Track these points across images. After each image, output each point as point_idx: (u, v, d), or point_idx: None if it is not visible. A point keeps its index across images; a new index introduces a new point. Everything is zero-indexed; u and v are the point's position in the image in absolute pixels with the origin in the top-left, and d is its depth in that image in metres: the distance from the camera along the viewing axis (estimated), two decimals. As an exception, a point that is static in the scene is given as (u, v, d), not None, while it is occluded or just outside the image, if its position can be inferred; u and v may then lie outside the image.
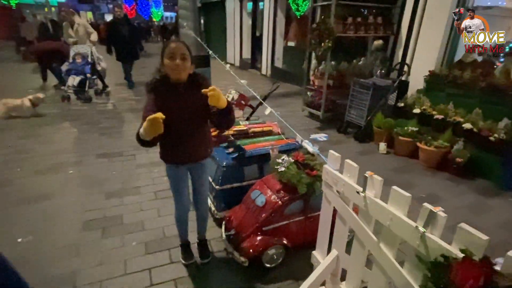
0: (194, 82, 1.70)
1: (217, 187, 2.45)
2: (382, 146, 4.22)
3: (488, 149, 3.41)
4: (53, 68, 6.95)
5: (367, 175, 1.42)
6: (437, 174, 3.62)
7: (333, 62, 5.67)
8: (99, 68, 6.51)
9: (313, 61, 5.61)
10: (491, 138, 3.35)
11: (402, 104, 4.56)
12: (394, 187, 1.30)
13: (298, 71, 8.79)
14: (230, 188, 2.46)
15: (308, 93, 5.75)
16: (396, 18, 5.31)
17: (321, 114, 5.29)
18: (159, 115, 1.39)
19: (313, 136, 4.93)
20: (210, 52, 3.97)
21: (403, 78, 4.76)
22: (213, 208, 2.55)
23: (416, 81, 4.73)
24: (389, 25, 5.36)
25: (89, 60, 6.24)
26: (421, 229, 1.13)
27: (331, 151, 1.69)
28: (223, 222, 2.32)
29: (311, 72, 5.98)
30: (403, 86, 4.77)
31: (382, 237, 1.39)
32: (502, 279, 0.86)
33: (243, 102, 3.77)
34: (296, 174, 2.03)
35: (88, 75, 6.10)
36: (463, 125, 3.66)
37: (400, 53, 5.06)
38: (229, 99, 3.64)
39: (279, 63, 10.02)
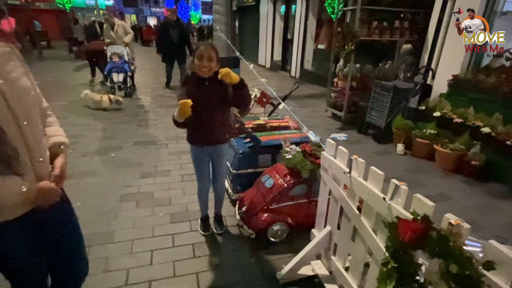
0: (216, 77, 2.04)
1: (233, 171, 2.79)
2: (400, 147, 4.32)
3: (505, 154, 3.43)
4: (100, 66, 7.74)
5: (352, 158, 1.67)
6: (452, 176, 3.68)
7: (357, 65, 5.81)
8: (132, 67, 7.14)
9: (339, 63, 5.78)
10: (508, 143, 3.36)
11: (423, 107, 4.61)
12: (372, 167, 1.54)
13: (326, 73, 8.94)
14: (245, 173, 2.79)
15: (332, 94, 5.93)
16: (422, 22, 5.34)
17: (343, 115, 5.45)
18: (188, 101, 1.75)
19: (333, 135, 5.17)
20: (238, 53, 4.35)
21: (427, 81, 4.80)
22: (229, 190, 2.89)
23: (440, 85, 4.75)
24: (415, 30, 5.40)
25: (125, 59, 6.86)
26: (387, 199, 1.37)
27: (329, 139, 1.96)
28: (237, 202, 2.65)
29: (338, 74, 6.16)
30: (426, 90, 4.81)
31: (362, 211, 1.63)
32: (436, 232, 1.09)
33: (264, 99, 4.08)
34: (301, 161, 2.31)
35: (129, 73, 6.76)
36: (482, 129, 3.68)
37: (425, 57, 5.09)
38: (252, 97, 3.99)
39: (308, 66, 10.21)
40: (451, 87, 4.53)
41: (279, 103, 4.23)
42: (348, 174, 1.68)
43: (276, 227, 2.34)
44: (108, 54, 6.93)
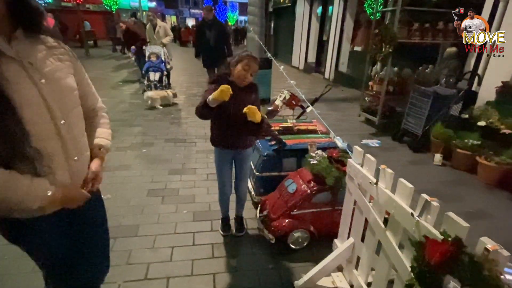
0: (249, 87, 2.04)
1: (257, 173, 2.76)
2: (438, 157, 4.04)
3: (561, 171, 3.06)
4: (140, 64, 8.12)
5: (380, 168, 1.57)
6: (495, 191, 3.36)
7: (395, 68, 5.53)
8: (168, 66, 7.38)
9: (375, 66, 5.54)
10: None
11: (467, 116, 4.27)
12: (401, 179, 1.43)
13: (362, 76, 8.63)
14: (268, 176, 2.75)
15: (366, 98, 5.70)
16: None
17: (377, 120, 5.22)
18: (229, 87, 1.76)
19: (364, 141, 4.99)
20: (269, 55, 4.32)
21: (472, 88, 4.44)
22: (252, 192, 2.87)
23: (487, 92, 4.37)
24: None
25: (162, 59, 7.11)
26: (415, 215, 1.27)
27: (356, 147, 1.86)
28: (259, 205, 2.62)
29: (374, 77, 5.91)
30: (471, 97, 4.45)
31: (389, 225, 1.53)
32: (468, 257, 0.98)
33: (294, 102, 4.01)
34: (327, 167, 2.22)
35: (165, 72, 7.00)
36: (534, 142, 3.33)
37: (472, 61, 4.72)
38: (281, 99, 3.94)
39: (343, 68, 9.93)
40: (500, 94, 4.15)
41: (308, 107, 4.15)
42: (375, 185, 1.58)
43: (297, 234, 2.27)
44: (147, 53, 7.24)
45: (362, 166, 1.81)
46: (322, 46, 11.42)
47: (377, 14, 7.93)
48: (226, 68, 2.08)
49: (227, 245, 2.36)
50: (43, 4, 15.96)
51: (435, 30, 4.97)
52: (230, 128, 2.07)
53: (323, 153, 2.36)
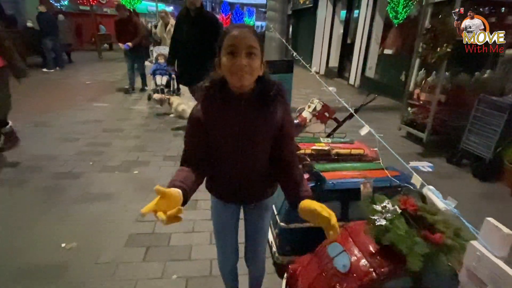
0: (264, 93, 1.09)
1: (282, 224, 1.86)
2: (520, 191, 3.03)
3: None
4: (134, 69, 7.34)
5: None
6: None
7: (446, 73, 4.54)
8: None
9: (420, 71, 4.55)
10: None
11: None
12: None
13: (394, 82, 7.64)
14: (299, 228, 1.85)
15: (409, 109, 4.70)
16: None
17: (425, 137, 4.21)
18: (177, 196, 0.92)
19: (413, 164, 3.97)
20: (295, 54, 3.45)
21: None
22: (274, 249, 1.97)
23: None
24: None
25: None
26: None
27: (489, 219, 0.94)
28: (285, 275, 1.72)
29: (413, 84, 4.93)
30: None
31: None
32: None
33: (327, 114, 3.12)
34: (407, 237, 1.31)
35: (173, 75, 6.25)
36: None
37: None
38: (311, 110, 3.05)
39: (370, 73, 8.94)
40: None
41: (347, 118, 3.23)
42: None
43: None
44: (154, 54, 6.55)
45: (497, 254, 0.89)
46: (346, 49, 10.49)
47: (402, 17, 7.13)
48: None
49: None
50: (59, 7, 15.78)
51: (502, 25, 3.97)
52: (234, 173, 1.21)
53: (395, 206, 1.44)
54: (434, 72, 4.42)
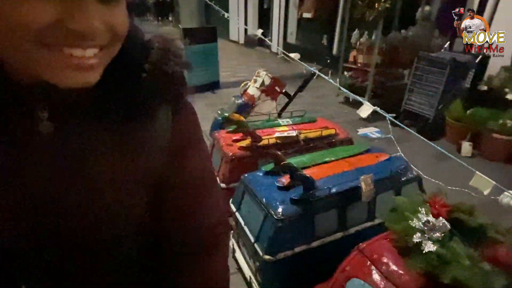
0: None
1: (265, 256, 1.28)
2: (466, 147, 3.05)
3: None
4: None
5: None
6: None
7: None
8: None
9: (354, 32, 4.32)
10: None
11: (485, 88, 3.35)
12: None
13: (314, 46, 7.52)
14: (289, 257, 1.30)
15: (346, 73, 4.49)
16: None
17: (366, 101, 4.06)
18: None
19: (361, 131, 3.80)
20: (227, 15, 2.71)
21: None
22: (255, 290, 1.40)
23: (500, 55, 3.50)
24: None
25: None
26: None
27: None
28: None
29: (338, 48, 4.73)
30: (482, 63, 3.55)
31: None
32: None
33: (277, 88, 2.56)
34: (477, 270, 0.86)
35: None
36: None
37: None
38: (258, 85, 2.45)
39: (292, 39, 8.69)
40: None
41: (297, 91, 2.74)
42: None
43: None
44: None
45: None
46: (264, 15, 9.96)
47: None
48: None
49: None
50: None
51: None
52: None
53: (443, 221, 0.98)
54: (366, 32, 4.25)
